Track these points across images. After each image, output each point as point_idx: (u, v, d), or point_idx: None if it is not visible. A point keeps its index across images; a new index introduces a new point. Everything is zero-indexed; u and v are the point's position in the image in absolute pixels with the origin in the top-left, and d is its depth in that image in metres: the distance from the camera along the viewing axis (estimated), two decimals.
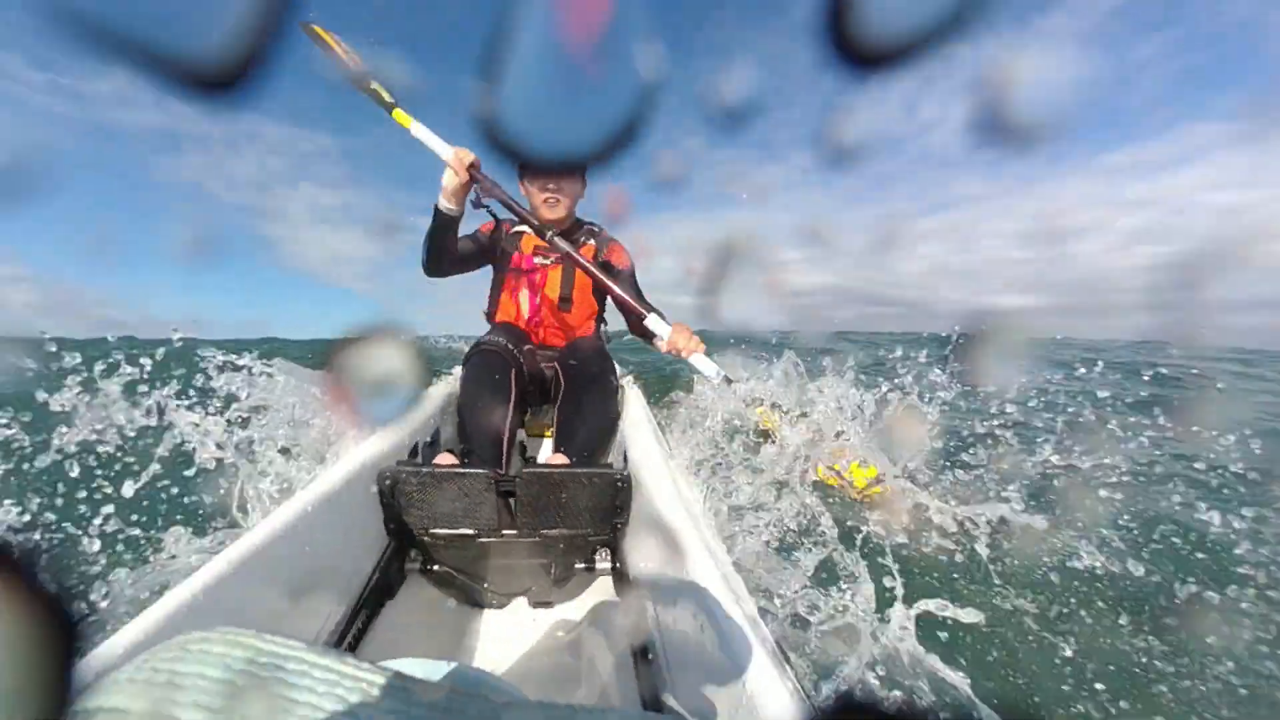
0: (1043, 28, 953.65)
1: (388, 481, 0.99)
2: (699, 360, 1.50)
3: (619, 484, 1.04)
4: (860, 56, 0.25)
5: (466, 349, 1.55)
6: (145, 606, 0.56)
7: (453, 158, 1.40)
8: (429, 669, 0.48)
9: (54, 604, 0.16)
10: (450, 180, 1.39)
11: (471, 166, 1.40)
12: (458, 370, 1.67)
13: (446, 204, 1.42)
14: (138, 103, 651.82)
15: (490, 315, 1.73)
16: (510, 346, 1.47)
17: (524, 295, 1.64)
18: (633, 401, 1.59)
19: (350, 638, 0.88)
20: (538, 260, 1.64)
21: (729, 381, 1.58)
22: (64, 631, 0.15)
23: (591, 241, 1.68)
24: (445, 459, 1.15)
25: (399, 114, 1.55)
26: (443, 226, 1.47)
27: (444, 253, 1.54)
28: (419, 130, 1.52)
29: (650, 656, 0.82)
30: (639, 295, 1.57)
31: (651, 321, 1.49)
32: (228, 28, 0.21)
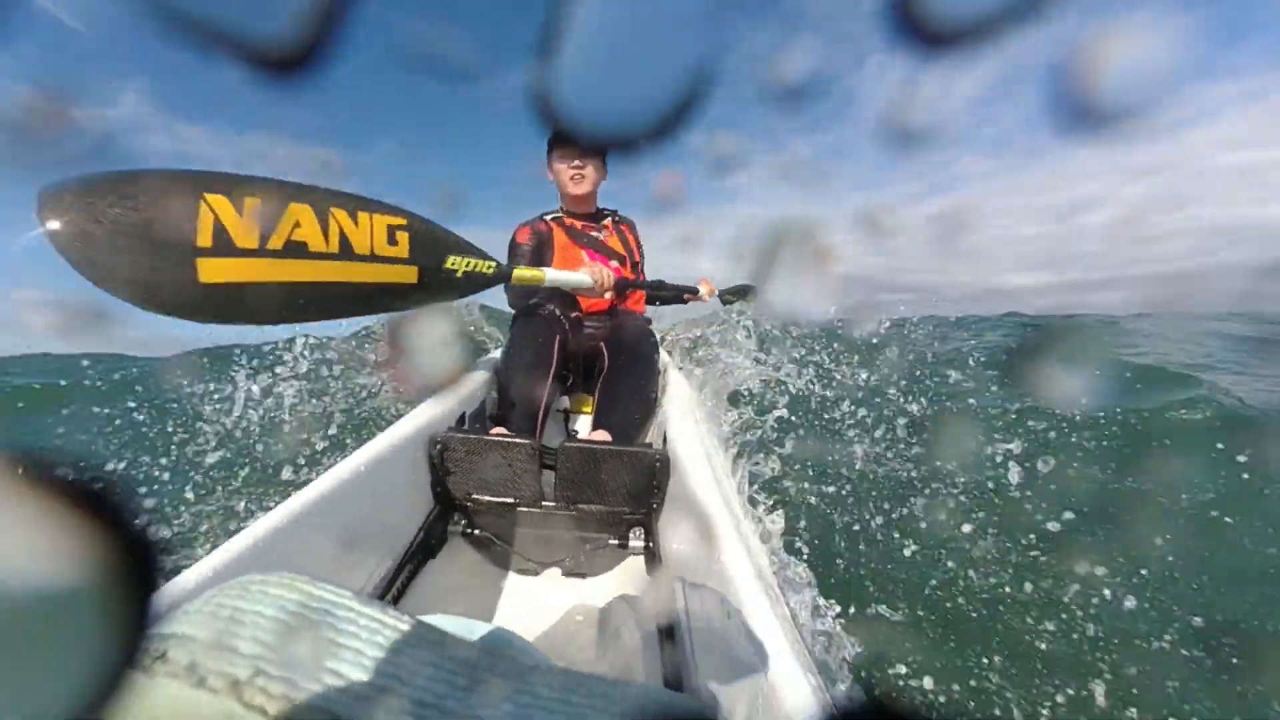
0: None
1: (438, 447, 1.03)
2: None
3: (657, 464, 1.05)
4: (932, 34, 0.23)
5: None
6: (215, 547, 0.61)
7: (600, 279, 1.48)
8: (464, 627, 0.51)
9: (140, 539, 0.17)
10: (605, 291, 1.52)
11: (620, 283, 1.57)
12: (502, 349, 1.71)
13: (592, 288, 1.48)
14: (149, 126, 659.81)
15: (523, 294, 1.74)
16: (559, 313, 1.50)
17: (585, 257, 1.68)
18: (675, 383, 1.59)
19: (394, 592, 0.94)
20: (593, 233, 1.75)
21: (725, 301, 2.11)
22: (147, 564, 0.17)
23: (624, 221, 1.83)
24: (493, 431, 1.19)
25: (520, 274, 1.35)
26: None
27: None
28: (553, 276, 1.42)
29: (675, 637, 0.84)
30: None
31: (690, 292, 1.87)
32: (296, 11, 0.22)
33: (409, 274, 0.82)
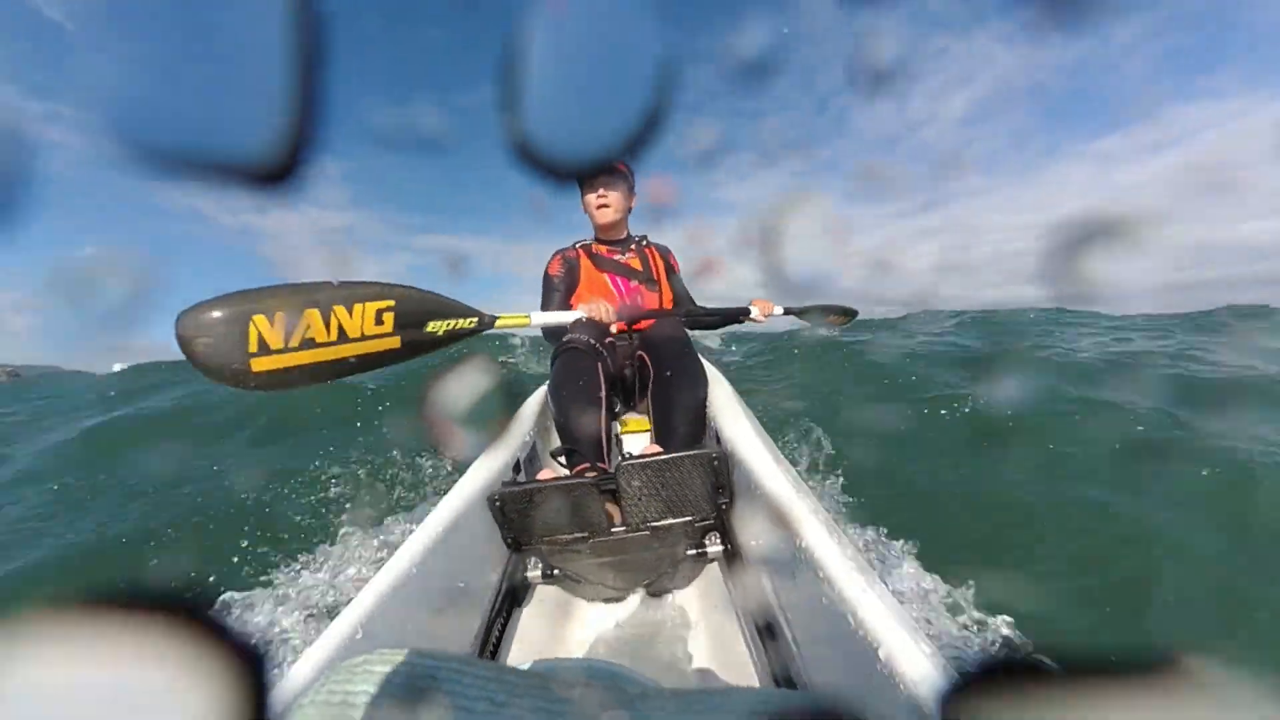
0: (1025, 15, 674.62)
1: (497, 503, 1.05)
2: (778, 310, 2.03)
3: (715, 463, 1.03)
4: None
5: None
6: (318, 631, 0.63)
7: (598, 314, 1.55)
8: (566, 668, 0.51)
9: (247, 650, 0.18)
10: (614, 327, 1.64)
11: (612, 318, 1.59)
12: (541, 389, 1.75)
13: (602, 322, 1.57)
14: None
15: (566, 307, 1.85)
16: (593, 341, 1.52)
17: (607, 281, 1.82)
18: (715, 380, 1.58)
19: (490, 646, 0.95)
20: (617, 257, 1.85)
21: (786, 311, 2.09)
22: (256, 671, 0.18)
23: (654, 246, 1.92)
24: (546, 473, 1.21)
25: (505, 319, 1.46)
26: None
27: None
28: (539, 318, 1.53)
29: (776, 633, 0.82)
30: (687, 292, 1.93)
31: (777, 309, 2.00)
32: (274, 131, 0.24)
33: (393, 343, 1.09)
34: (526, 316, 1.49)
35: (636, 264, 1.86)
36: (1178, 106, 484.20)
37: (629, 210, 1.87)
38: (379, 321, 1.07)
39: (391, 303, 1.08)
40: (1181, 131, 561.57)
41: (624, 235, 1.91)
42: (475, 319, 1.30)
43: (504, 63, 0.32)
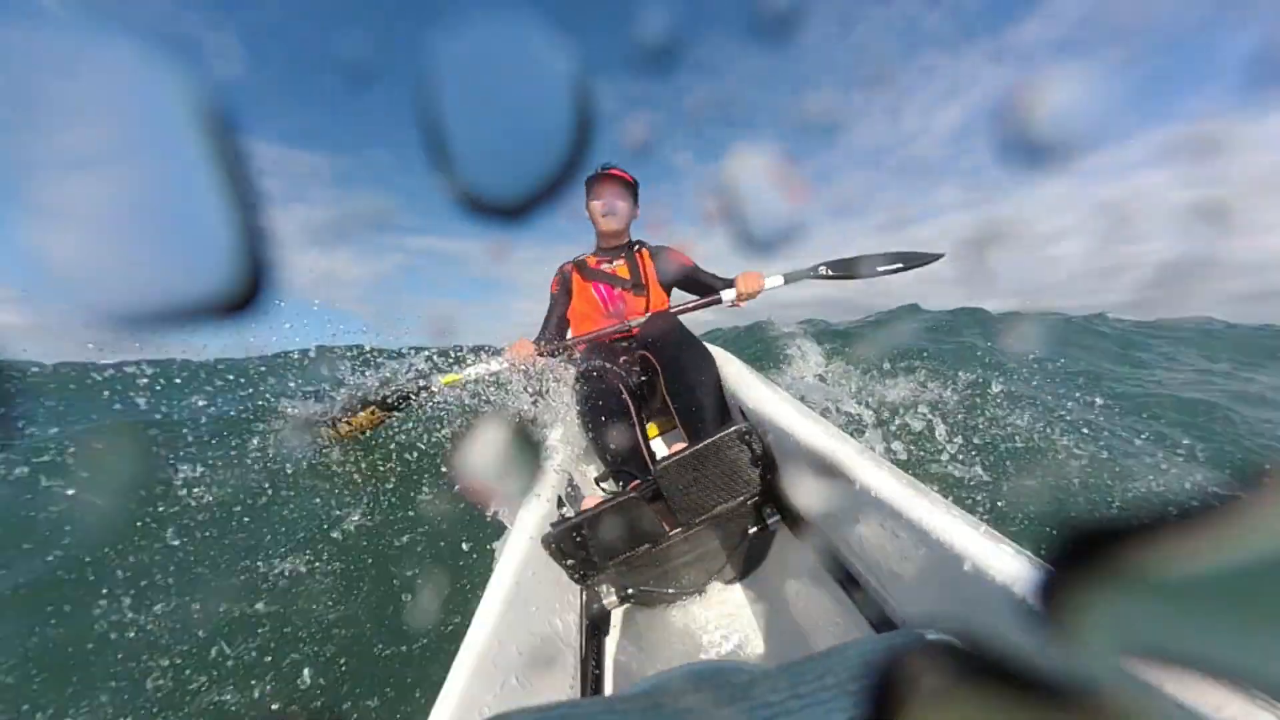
0: (1015, 38, 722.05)
1: (552, 544, 1.05)
2: (769, 283, 1.89)
3: (747, 437, 1.03)
4: None
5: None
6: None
7: (518, 359, 1.74)
8: (668, 678, 0.51)
9: None
10: (532, 361, 1.75)
11: (539, 353, 1.77)
12: (561, 420, 1.75)
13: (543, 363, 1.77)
14: None
15: (557, 326, 1.98)
16: (607, 364, 1.55)
17: (595, 289, 1.90)
18: (725, 359, 1.58)
19: (590, 682, 0.95)
20: (604, 266, 1.91)
21: (786, 280, 1.97)
22: None
23: (645, 249, 1.96)
24: (590, 500, 1.21)
25: (447, 379, 1.80)
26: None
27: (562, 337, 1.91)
28: (470, 372, 1.79)
29: (859, 582, 0.81)
30: (711, 275, 1.95)
31: (723, 294, 1.85)
32: (231, 271, 0.24)
33: (379, 416, 1.93)
34: (459, 375, 1.80)
35: (624, 271, 1.90)
36: (1154, 127, 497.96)
37: (633, 219, 1.93)
38: (372, 411, 1.89)
39: (379, 401, 1.87)
40: (1159, 151, 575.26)
41: (622, 243, 1.95)
42: (426, 385, 1.81)
43: (422, 122, 0.32)
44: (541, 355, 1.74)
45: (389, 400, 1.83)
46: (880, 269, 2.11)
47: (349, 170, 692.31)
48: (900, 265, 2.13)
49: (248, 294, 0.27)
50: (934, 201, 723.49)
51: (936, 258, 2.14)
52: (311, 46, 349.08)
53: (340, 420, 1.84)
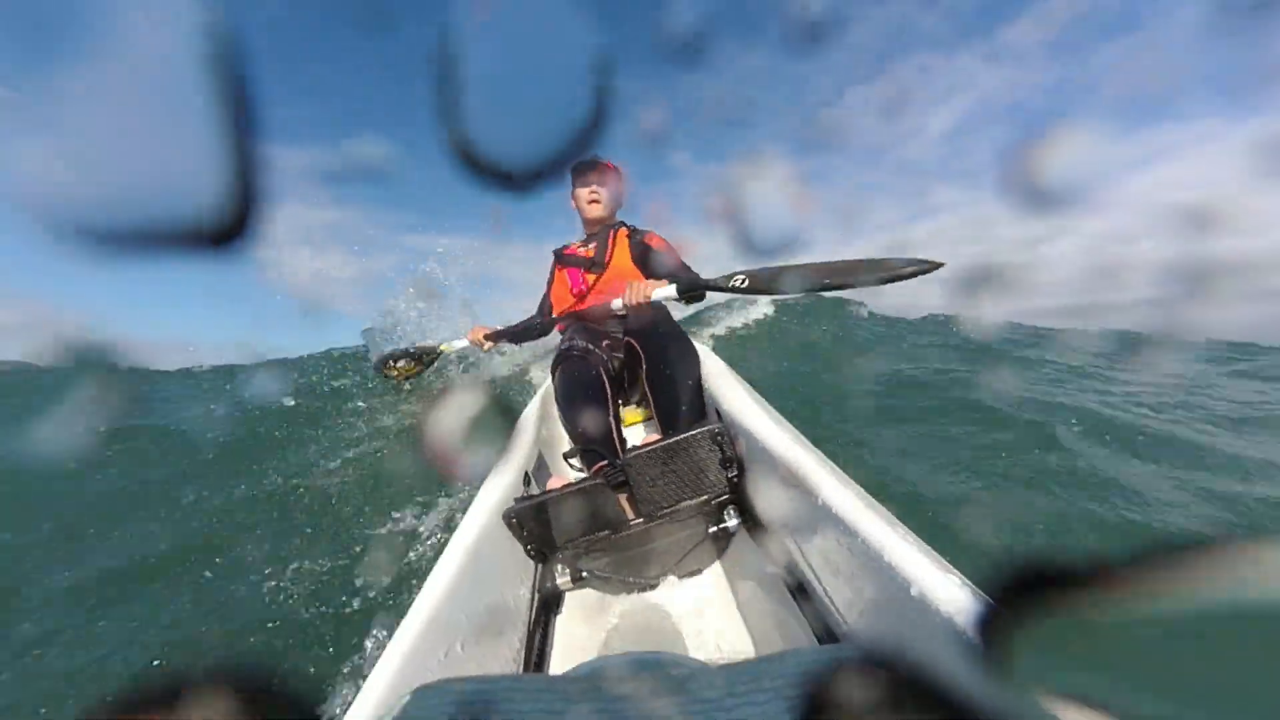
0: (1007, 37, 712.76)
1: (513, 520, 1.05)
2: (659, 293, 1.57)
3: (719, 438, 1.04)
4: None
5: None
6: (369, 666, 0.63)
7: (472, 340, 2.14)
8: (612, 665, 0.52)
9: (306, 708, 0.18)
10: (480, 346, 2.13)
11: (486, 337, 2.09)
12: (537, 397, 1.74)
13: (487, 348, 2.16)
14: None
15: (545, 309, 2.02)
16: (591, 346, 1.53)
17: (567, 273, 1.91)
18: (706, 356, 1.59)
19: (534, 659, 0.96)
20: (580, 251, 1.91)
21: (682, 297, 1.62)
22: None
23: (624, 228, 1.91)
24: (556, 480, 1.21)
25: (443, 347, 2.45)
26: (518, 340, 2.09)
27: (547, 327, 1.99)
28: (449, 345, 2.41)
29: (809, 593, 0.83)
30: (685, 267, 1.79)
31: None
32: (217, 192, 0.23)
33: (413, 367, 2.66)
34: (451, 346, 2.42)
35: (590, 254, 1.88)
36: (1149, 127, 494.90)
37: (618, 207, 1.92)
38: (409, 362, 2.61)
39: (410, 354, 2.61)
40: (1153, 151, 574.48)
41: (605, 227, 1.93)
42: (441, 351, 2.49)
43: (438, 69, 0.31)
44: (488, 339, 2.09)
45: (417, 355, 2.60)
46: (823, 282, 1.52)
47: (341, 168, 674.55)
48: (879, 276, 1.52)
49: (234, 225, 0.26)
50: (930, 202, 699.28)
51: (931, 267, 1.55)
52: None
53: (391, 365, 2.61)
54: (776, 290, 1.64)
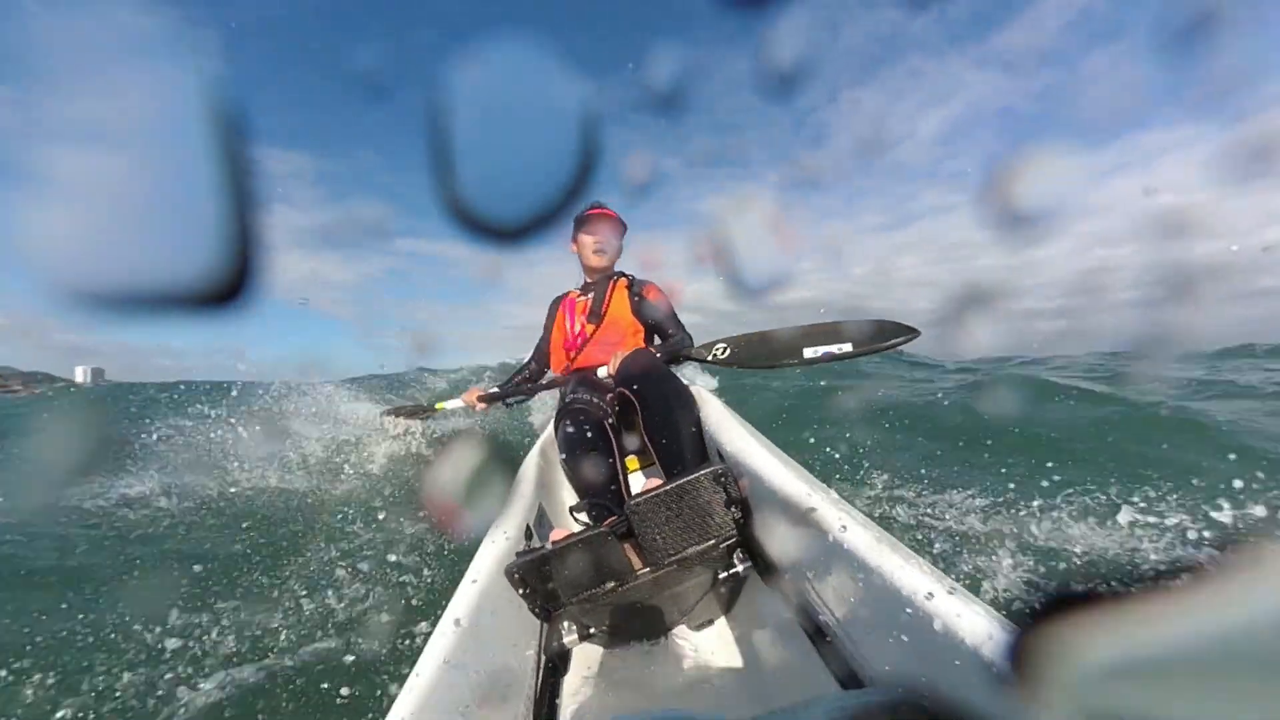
0: (999, 43, 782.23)
1: (516, 575, 1.02)
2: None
3: (722, 479, 1.02)
4: None
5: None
6: None
7: (466, 401, 2.18)
8: None
9: None
10: (473, 407, 2.16)
11: (479, 399, 2.09)
12: (536, 447, 1.72)
13: (479, 409, 2.18)
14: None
15: (541, 356, 2.08)
16: (592, 399, 1.53)
17: (566, 322, 1.95)
18: (705, 400, 1.58)
19: None
20: (579, 299, 1.96)
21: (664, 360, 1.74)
22: None
23: (624, 279, 1.98)
24: (559, 533, 1.18)
25: (439, 405, 2.50)
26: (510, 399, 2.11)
27: (542, 373, 2.08)
28: (444, 405, 2.49)
29: (828, 636, 0.80)
30: (677, 324, 1.91)
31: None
32: (218, 255, 0.24)
33: (414, 419, 2.86)
34: (445, 404, 2.48)
35: (588, 304, 1.94)
36: (1136, 133, 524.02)
37: (618, 257, 1.99)
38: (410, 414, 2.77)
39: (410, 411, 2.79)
40: (1138, 156, 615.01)
41: (604, 276, 2.00)
42: (443, 407, 2.50)
43: (431, 138, 0.32)
44: (482, 401, 2.10)
45: (413, 411, 2.75)
46: (817, 351, 1.56)
47: (336, 171, 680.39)
48: (849, 347, 1.57)
49: (233, 286, 0.26)
50: (919, 205, 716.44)
51: (908, 336, 1.59)
52: (310, 51, 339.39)
53: (394, 416, 2.80)
54: (756, 364, 1.72)
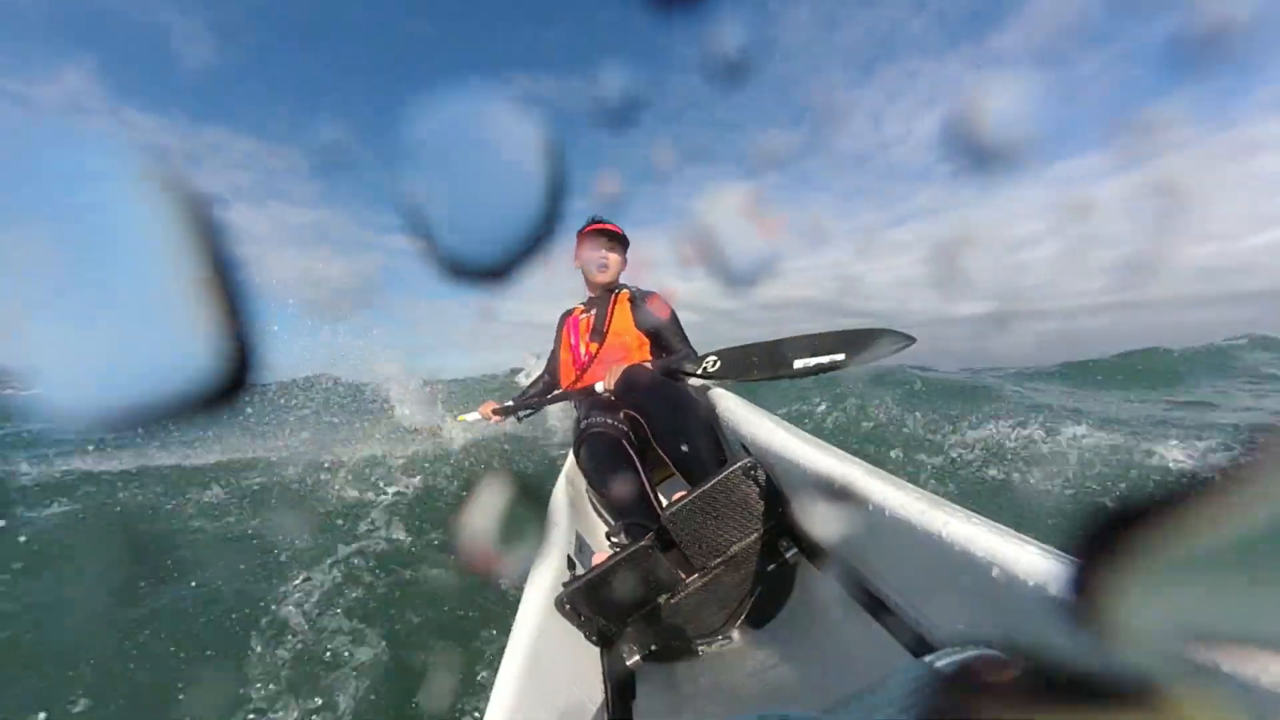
0: (996, 45, 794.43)
1: (567, 606, 1.01)
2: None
3: (752, 472, 1.02)
4: None
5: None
6: None
7: (482, 413, 2.19)
8: None
9: None
10: (489, 419, 2.17)
11: (494, 411, 2.13)
12: (561, 476, 1.72)
13: (494, 421, 2.18)
14: (90, 109, 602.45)
15: (553, 369, 2.11)
16: (609, 420, 1.53)
17: (571, 340, 1.97)
18: (721, 394, 1.57)
19: None
20: (583, 316, 1.98)
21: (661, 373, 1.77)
22: None
23: (625, 292, 2.00)
24: (600, 556, 1.17)
25: (460, 417, 2.47)
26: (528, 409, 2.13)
27: (553, 385, 2.09)
28: (468, 416, 2.43)
29: (889, 607, 0.79)
30: (681, 338, 1.90)
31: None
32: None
33: (435, 431, 3.25)
34: (465, 416, 2.42)
35: (592, 321, 1.94)
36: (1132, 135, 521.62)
37: (622, 270, 2.00)
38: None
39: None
40: (1136, 156, 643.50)
41: (607, 291, 2.01)
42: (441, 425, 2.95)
43: (405, 201, 0.33)
44: (496, 414, 2.13)
45: (434, 426, 3.04)
46: (809, 362, 1.49)
47: (329, 166, 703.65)
48: (842, 357, 1.47)
49: (231, 385, 0.26)
50: (912, 206, 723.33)
51: (903, 344, 1.49)
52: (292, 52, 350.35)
53: (419, 431, 3.11)
54: (746, 377, 1.68)
